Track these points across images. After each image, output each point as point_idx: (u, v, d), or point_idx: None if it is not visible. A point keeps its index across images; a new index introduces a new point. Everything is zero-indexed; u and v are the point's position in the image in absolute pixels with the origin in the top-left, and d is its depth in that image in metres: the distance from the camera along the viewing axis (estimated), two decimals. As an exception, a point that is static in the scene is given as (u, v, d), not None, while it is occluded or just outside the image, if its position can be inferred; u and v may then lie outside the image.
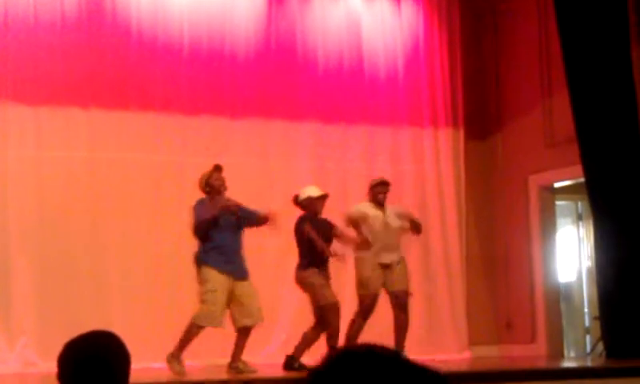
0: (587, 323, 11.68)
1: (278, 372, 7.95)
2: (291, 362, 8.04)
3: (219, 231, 7.86)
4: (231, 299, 7.85)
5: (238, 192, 9.88)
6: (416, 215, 9.03)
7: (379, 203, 8.55)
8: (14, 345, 9.10)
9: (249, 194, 10.05)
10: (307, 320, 8.26)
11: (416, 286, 10.65)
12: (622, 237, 9.19)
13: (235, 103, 10.26)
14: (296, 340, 8.24)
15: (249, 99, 10.29)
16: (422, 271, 10.73)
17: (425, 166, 11.09)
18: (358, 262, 8.46)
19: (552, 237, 11.00)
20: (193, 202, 8.03)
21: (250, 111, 10.28)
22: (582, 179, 9.63)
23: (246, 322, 7.88)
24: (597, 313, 10.03)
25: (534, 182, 10.99)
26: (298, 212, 8.39)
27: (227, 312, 7.88)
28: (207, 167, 8.30)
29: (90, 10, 9.77)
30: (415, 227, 8.53)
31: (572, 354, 11.52)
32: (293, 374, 7.68)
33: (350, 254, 8.52)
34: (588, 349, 11.31)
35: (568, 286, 11.68)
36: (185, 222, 8.18)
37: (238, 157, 10.11)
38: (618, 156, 9.24)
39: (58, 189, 9.52)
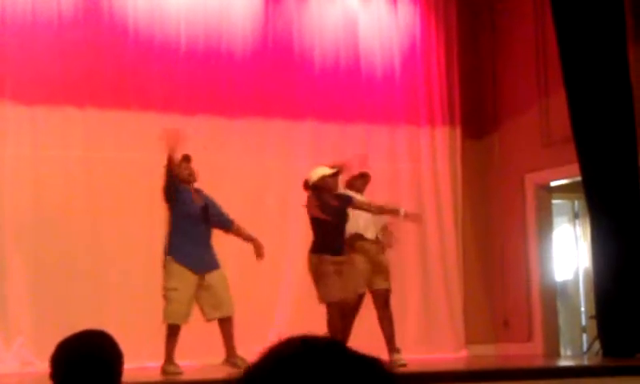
0: (584, 322, 11.70)
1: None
2: None
3: (189, 221, 7.81)
4: (199, 291, 7.79)
5: (235, 191, 9.92)
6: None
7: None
8: (11, 344, 9.09)
9: (246, 192, 10.08)
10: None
11: (412, 285, 10.70)
12: (618, 235, 9.20)
13: (232, 102, 10.25)
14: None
15: (246, 98, 10.29)
16: (418, 270, 10.75)
17: (421, 164, 11.09)
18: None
19: (548, 235, 11.01)
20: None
21: (247, 110, 10.27)
22: (579, 178, 9.64)
23: (215, 314, 7.80)
24: (593, 311, 10.04)
25: (531, 180, 11.00)
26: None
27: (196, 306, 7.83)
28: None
29: (87, 9, 9.76)
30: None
31: (568, 353, 11.54)
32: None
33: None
34: (584, 348, 11.33)
35: (564, 284, 11.69)
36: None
37: (235, 155, 10.12)
38: (614, 155, 9.25)
39: (55, 188, 9.51)
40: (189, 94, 10.05)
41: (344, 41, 10.86)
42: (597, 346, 9.86)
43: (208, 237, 7.98)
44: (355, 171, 8.74)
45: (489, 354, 10.85)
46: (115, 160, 9.68)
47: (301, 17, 10.71)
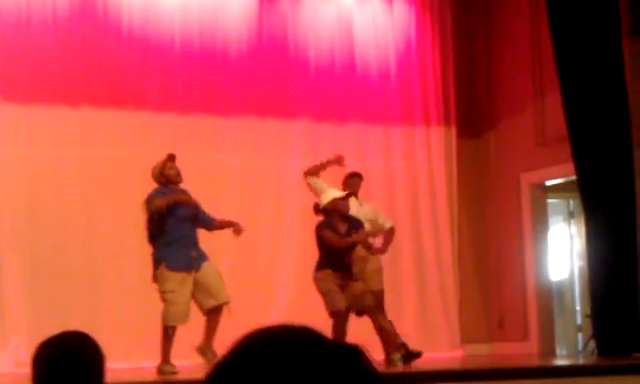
0: (579, 321, 11.71)
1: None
2: None
3: (176, 223, 7.76)
4: (195, 286, 7.77)
5: (230, 190, 9.92)
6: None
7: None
8: (7, 345, 9.07)
9: (241, 191, 10.08)
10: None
11: (408, 285, 10.70)
12: (613, 234, 9.21)
13: (227, 101, 10.24)
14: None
15: (241, 97, 10.28)
16: (413, 269, 10.75)
17: (417, 164, 11.09)
18: None
19: (544, 235, 11.02)
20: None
21: (242, 109, 10.26)
22: (574, 177, 9.65)
23: (211, 302, 7.76)
24: (588, 311, 10.05)
25: (526, 180, 11.01)
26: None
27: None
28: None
29: (82, 8, 9.74)
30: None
31: (564, 352, 11.54)
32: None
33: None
34: (580, 347, 11.34)
35: (560, 283, 11.70)
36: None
37: (230, 155, 10.11)
38: (609, 154, 9.26)
39: (50, 187, 9.49)
40: (184, 92, 10.04)
41: (339, 40, 10.86)
42: (592, 345, 9.86)
43: (195, 234, 7.94)
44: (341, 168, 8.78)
45: (484, 354, 10.86)
46: (110, 159, 9.67)
47: (295, 16, 10.71)
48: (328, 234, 7.97)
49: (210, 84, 10.17)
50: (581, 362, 10.11)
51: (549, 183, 10.97)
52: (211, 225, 8.12)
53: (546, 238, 11.03)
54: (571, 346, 11.72)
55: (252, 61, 10.38)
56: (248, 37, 10.43)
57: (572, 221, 11.64)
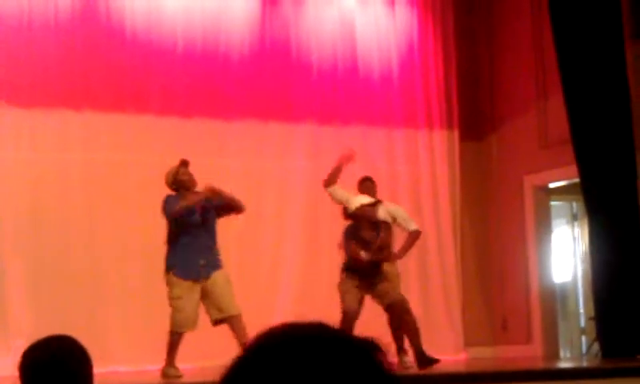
0: (582, 324, 11.70)
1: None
2: None
3: (186, 229, 7.74)
4: (204, 297, 7.76)
5: (233, 193, 9.89)
6: (411, 216, 9.09)
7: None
8: (10, 348, 9.06)
9: (244, 195, 10.06)
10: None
11: (411, 287, 10.68)
12: (616, 237, 9.21)
13: (230, 105, 10.24)
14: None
15: (243, 101, 10.29)
16: (417, 272, 10.73)
17: (419, 167, 11.08)
18: None
19: (547, 237, 11.01)
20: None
21: (244, 113, 10.27)
22: (577, 179, 9.65)
23: (218, 315, 7.75)
24: (592, 313, 10.04)
25: (529, 182, 11.00)
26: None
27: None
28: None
29: (84, 12, 9.75)
30: None
31: (567, 355, 11.54)
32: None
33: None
34: (584, 349, 11.33)
35: (563, 286, 11.69)
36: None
37: (233, 158, 10.11)
38: (612, 156, 9.26)
39: (53, 191, 9.49)
40: (186, 96, 10.04)
41: (341, 43, 10.85)
42: (596, 347, 9.85)
43: (208, 241, 7.89)
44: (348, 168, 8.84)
45: (488, 356, 10.84)
46: (113, 162, 9.67)
47: (298, 19, 10.71)
48: (352, 249, 8.12)
49: (213, 88, 10.17)
50: (585, 364, 10.10)
51: (552, 186, 10.96)
52: (241, 208, 8.06)
53: (549, 241, 11.02)
54: (575, 349, 11.71)
55: (254, 64, 10.38)
56: (250, 40, 10.43)
57: (575, 223, 11.63)
